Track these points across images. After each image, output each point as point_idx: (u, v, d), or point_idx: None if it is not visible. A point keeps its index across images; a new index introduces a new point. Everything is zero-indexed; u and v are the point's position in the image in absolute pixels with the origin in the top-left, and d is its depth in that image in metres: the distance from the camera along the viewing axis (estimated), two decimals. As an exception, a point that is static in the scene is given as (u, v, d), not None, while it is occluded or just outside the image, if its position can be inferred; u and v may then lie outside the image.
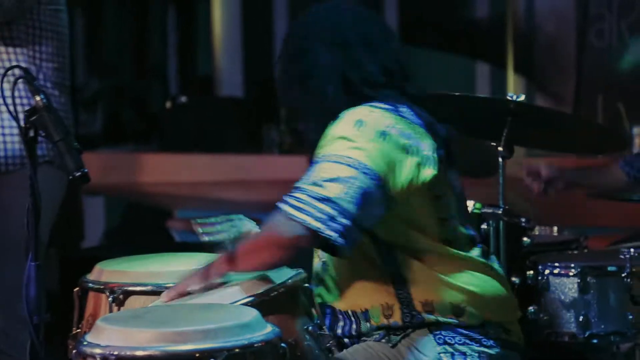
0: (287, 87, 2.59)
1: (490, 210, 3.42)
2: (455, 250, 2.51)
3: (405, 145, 2.42)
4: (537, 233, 3.87)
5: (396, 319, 2.49)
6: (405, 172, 2.41)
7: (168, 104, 9.31)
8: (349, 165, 2.35)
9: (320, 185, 2.33)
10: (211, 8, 10.02)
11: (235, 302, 2.30)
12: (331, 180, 2.34)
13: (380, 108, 2.46)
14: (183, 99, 9.28)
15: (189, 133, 8.67)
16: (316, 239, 2.36)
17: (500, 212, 3.42)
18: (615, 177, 3.65)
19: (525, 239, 3.59)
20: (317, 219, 2.32)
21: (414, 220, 2.48)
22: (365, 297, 2.51)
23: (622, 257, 3.28)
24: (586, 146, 3.68)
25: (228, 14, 10.02)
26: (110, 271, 2.60)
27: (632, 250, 3.30)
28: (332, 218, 2.32)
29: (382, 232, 2.47)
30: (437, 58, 8.86)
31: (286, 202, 2.35)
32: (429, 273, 2.49)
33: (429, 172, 2.45)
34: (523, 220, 3.54)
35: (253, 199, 7.52)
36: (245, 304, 2.28)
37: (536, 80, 8.75)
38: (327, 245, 2.36)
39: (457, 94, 3.37)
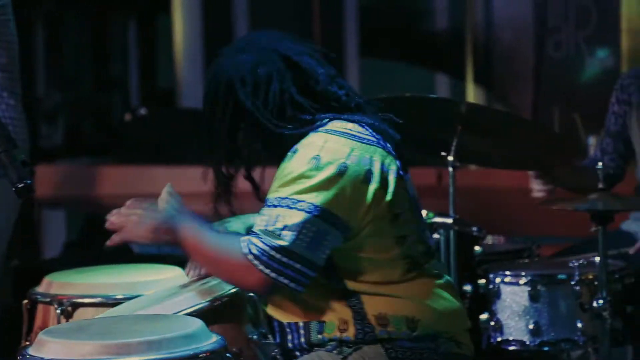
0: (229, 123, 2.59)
1: (441, 220, 3.44)
2: (410, 266, 2.52)
3: (364, 173, 2.42)
4: (489, 242, 3.89)
5: (349, 334, 2.49)
6: (366, 201, 2.42)
7: (127, 116, 9.28)
8: (303, 210, 2.36)
9: (275, 235, 2.35)
10: (172, 20, 10.02)
11: (180, 311, 2.30)
12: (285, 227, 2.35)
13: (335, 134, 2.46)
14: (143, 111, 9.26)
15: (149, 145, 8.64)
16: (272, 286, 2.41)
17: (451, 221, 3.45)
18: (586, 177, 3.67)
19: (476, 247, 3.62)
20: (271, 268, 2.36)
21: (369, 244, 2.48)
22: (321, 309, 2.51)
23: (571, 265, 3.31)
24: (542, 156, 3.67)
25: (189, 26, 10.02)
26: (59, 283, 2.60)
27: (581, 258, 3.33)
28: (286, 266, 2.36)
29: (335, 258, 2.48)
30: (396, 69, 8.90)
31: (246, 246, 2.37)
32: (383, 288, 2.50)
33: (388, 196, 2.45)
34: (474, 229, 3.58)
35: (212, 211, 7.50)
36: (190, 314, 2.29)
37: (495, 91, 8.81)
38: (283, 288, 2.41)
39: (407, 94, 3.33)
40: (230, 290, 2.43)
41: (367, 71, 8.88)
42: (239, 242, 2.40)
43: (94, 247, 7.20)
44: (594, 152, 3.87)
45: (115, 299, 2.52)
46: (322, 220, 2.37)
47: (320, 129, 2.46)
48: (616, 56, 7.91)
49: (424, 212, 3.35)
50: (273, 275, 2.37)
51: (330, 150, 2.41)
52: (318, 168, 2.39)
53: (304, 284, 2.40)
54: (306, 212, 2.36)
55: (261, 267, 2.37)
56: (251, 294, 2.49)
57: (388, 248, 2.49)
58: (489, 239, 3.90)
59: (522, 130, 3.57)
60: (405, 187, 2.52)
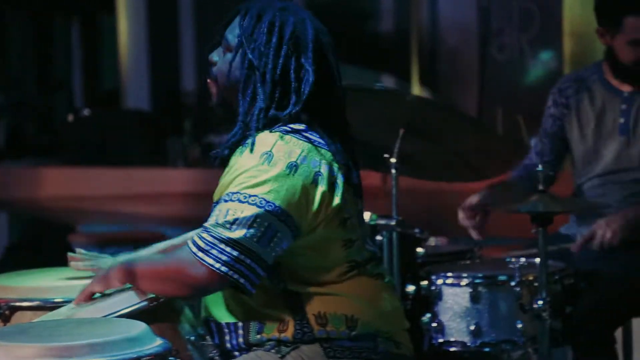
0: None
1: (384, 222, 3.45)
2: (352, 268, 2.53)
3: (313, 175, 2.42)
4: (431, 243, 3.91)
5: (288, 334, 2.49)
6: (314, 203, 2.41)
7: (70, 118, 9.22)
8: (254, 205, 2.34)
9: (225, 227, 2.34)
10: (116, 21, 9.96)
11: (116, 312, 2.29)
12: (236, 221, 2.35)
13: (287, 134, 2.47)
14: (86, 112, 9.22)
15: (92, 146, 8.61)
16: (222, 282, 2.38)
17: (394, 223, 3.46)
18: (514, 191, 3.71)
19: (419, 249, 3.63)
20: (221, 262, 2.34)
21: (317, 247, 2.48)
22: (259, 309, 2.51)
23: (511, 266, 3.34)
24: (478, 165, 3.67)
25: (134, 27, 9.97)
26: (-3, 286, 2.57)
27: (521, 259, 3.36)
28: (236, 259, 2.34)
29: (280, 258, 2.48)
30: (342, 71, 8.92)
31: (194, 242, 2.36)
32: (323, 290, 2.50)
33: (336, 199, 2.45)
34: (417, 230, 3.59)
35: (157, 213, 7.49)
36: (125, 314, 2.28)
37: (440, 92, 8.87)
38: (234, 285, 2.38)
39: (353, 84, 3.27)
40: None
41: (313, 72, 8.89)
42: (186, 245, 2.39)
43: (36, 249, 7.16)
44: (527, 157, 3.90)
45: (54, 302, 2.49)
46: (273, 216, 2.35)
47: (274, 130, 2.46)
48: (559, 59, 8.00)
49: (367, 214, 3.35)
50: (224, 269, 2.33)
51: (282, 148, 2.41)
52: (270, 164, 2.38)
53: (254, 283, 2.37)
54: (258, 206, 2.34)
55: (211, 261, 2.33)
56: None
57: (335, 251, 2.49)
58: (432, 241, 3.90)
59: (464, 127, 3.57)
60: (353, 192, 2.52)
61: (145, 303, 2.33)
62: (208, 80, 2.58)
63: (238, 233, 2.33)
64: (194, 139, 8.86)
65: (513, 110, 7.85)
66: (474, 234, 3.65)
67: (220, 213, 2.36)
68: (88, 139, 8.72)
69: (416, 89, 8.88)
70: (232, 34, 2.52)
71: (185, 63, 10.00)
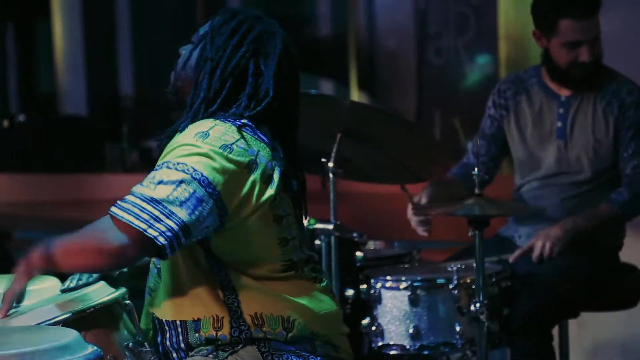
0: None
1: (322, 226, 3.45)
2: (289, 267, 2.53)
3: (247, 162, 2.41)
4: (370, 247, 3.92)
5: (224, 332, 2.48)
6: (245, 189, 2.40)
7: (6, 123, 9.13)
8: (182, 171, 2.32)
9: (148, 187, 2.32)
10: (52, 25, 9.87)
11: (51, 319, 2.26)
12: (160, 182, 2.32)
13: (226, 122, 2.46)
14: (21, 117, 9.13)
15: (27, 152, 8.53)
16: (140, 243, 2.32)
17: (332, 227, 3.46)
18: (456, 189, 3.73)
19: (358, 253, 3.63)
20: (141, 219, 2.28)
21: (251, 242, 2.47)
22: (196, 307, 2.49)
23: (449, 269, 3.35)
24: (419, 163, 3.69)
25: (69, 31, 9.89)
26: None
27: (459, 263, 3.37)
28: (156, 218, 2.29)
29: (215, 245, 2.47)
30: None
31: (116, 205, 2.33)
32: (260, 288, 2.49)
33: (269, 192, 2.45)
34: (355, 234, 3.59)
35: (95, 219, 7.42)
36: (61, 322, 2.25)
37: (378, 96, 8.90)
38: (152, 249, 2.34)
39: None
40: (103, 297, 2.39)
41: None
42: (106, 216, 2.31)
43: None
44: (466, 157, 3.92)
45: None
46: (199, 185, 2.32)
47: (213, 117, 2.45)
48: (495, 63, 8.08)
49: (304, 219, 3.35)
50: (142, 227, 2.26)
51: (219, 131, 2.40)
52: (204, 141, 2.36)
53: (172, 246, 2.31)
54: (185, 172, 2.31)
55: (130, 218, 2.26)
56: (127, 301, 2.45)
57: (270, 247, 2.49)
58: (370, 244, 3.92)
59: (401, 131, 3.58)
60: (289, 193, 2.52)
61: (67, 316, 2.30)
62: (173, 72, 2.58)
63: (161, 193, 2.29)
64: (132, 144, 8.81)
65: (450, 113, 7.92)
66: (420, 231, 3.66)
67: (147, 178, 2.33)
68: (24, 144, 8.64)
69: (355, 93, 8.91)
70: (203, 28, 2.54)
71: (123, 67, 9.94)
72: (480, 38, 8.31)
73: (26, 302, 2.46)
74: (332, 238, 3.48)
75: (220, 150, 2.37)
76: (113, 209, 2.32)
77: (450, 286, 3.34)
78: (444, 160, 3.70)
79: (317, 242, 3.49)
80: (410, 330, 3.38)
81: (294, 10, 9.46)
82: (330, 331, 2.59)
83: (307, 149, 3.50)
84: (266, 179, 2.43)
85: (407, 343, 3.39)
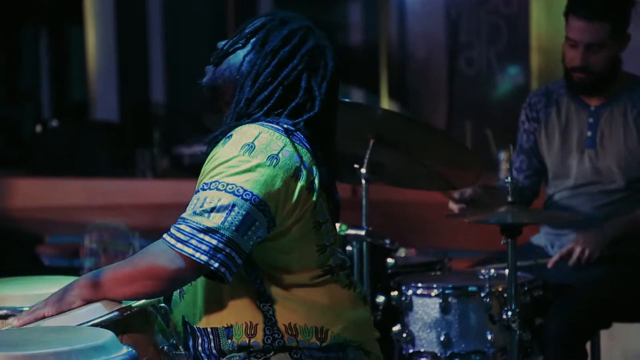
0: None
1: (354, 232, 3.45)
2: (324, 274, 2.53)
3: (294, 170, 2.41)
4: (401, 254, 3.92)
5: (257, 339, 2.49)
6: (293, 196, 2.40)
7: (38, 129, 9.20)
8: (232, 193, 2.33)
9: (202, 216, 2.33)
10: (85, 31, 9.93)
11: (88, 322, 2.28)
12: (213, 209, 2.33)
13: (271, 128, 2.46)
14: (54, 123, 9.20)
15: (60, 157, 8.58)
16: (199, 270, 2.36)
17: (364, 233, 3.46)
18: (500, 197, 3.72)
19: (389, 260, 3.64)
20: (202, 251, 2.31)
21: (291, 249, 2.47)
22: (230, 313, 2.49)
23: (481, 277, 3.35)
24: (452, 172, 3.68)
25: (102, 38, 9.95)
26: (-34, 296, 2.54)
27: (491, 270, 3.37)
28: (215, 249, 2.32)
29: (255, 253, 2.47)
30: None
31: (170, 235, 2.34)
32: (295, 298, 2.49)
33: (312, 199, 2.45)
34: (387, 241, 3.59)
35: (126, 224, 7.45)
36: (98, 324, 2.27)
37: (409, 106, 8.89)
38: (211, 275, 2.37)
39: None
40: (139, 301, 2.40)
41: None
42: (159, 242, 2.34)
43: (4, 260, 7.11)
44: (509, 170, 3.91)
45: (23, 311, 2.48)
46: (251, 205, 2.34)
47: (257, 122, 2.45)
48: (526, 73, 8.05)
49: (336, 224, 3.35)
50: (204, 259, 2.31)
51: (264, 140, 2.40)
52: (250, 155, 2.37)
53: (232, 271, 2.35)
54: (235, 195, 2.33)
55: (190, 251, 2.31)
56: (162, 304, 2.46)
57: (309, 253, 2.49)
58: (402, 252, 3.92)
59: (434, 141, 3.59)
60: (327, 199, 2.52)
61: (117, 313, 2.31)
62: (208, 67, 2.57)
63: (216, 221, 2.32)
64: (163, 150, 8.84)
65: (481, 123, 7.90)
66: (455, 208, 3.61)
67: (198, 202, 2.34)
68: (57, 149, 8.69)
69: (385, 102, 8.90)
70: (249, 26, 2.53)
71: (154, 74, 9.98)
72: (511, 48, 8.29)
73: None
74: (364, 244, 3.49)
75: (268, 163, 2.38)
76: (171, 240, 2.33)
77: (482, 294, 3.33)
78: (476, 168, 3.69)
79: (349, 248, 3.49)
80: (442, 338, 3.38)
81: (326, 18, 9.47)
82: (363, 337, 2.59)
83: (340, 154, 3.52)
84: (309, 186, 2.44)
85: (438, 350, 3.39)
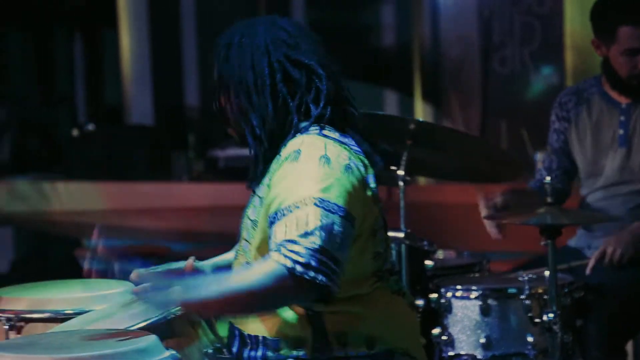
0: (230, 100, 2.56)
1: (393, 234, 3.44)
2: (376, 281, 2.51)
3: (364, 179, 2.41)
4: (440, 257, 3.90)
5: (306, 350, 2.48)
6: (365, 207, 2.41)
7: (75, 132, 9.25)
8: (329, 211, 2.30)
9: (315, 235, 2.27)
10: (119, 35, 9.97)
11: (132, 325, 2.29)
12: (319, 228, 2.27)
13: (329, 138, 2.42)
14: (90, 127, 9.25)
15: (96, 161, 8.62)
16: (319, 291, 2.29)
17: (402, 235, 3.46)
18: (532, 199, 3.70)
19: (428, 262, 3.62)
20: (324, 274, 2.26)
21: (351, 257, 2.45)
22: (281, 324, 2.48)
23: (521, 279, 3.33)
24: (490, 171, 3.69)
25: (136, 41, 9.98)
26: (8, 298, 2.56)
27: (530, 273, 3.35)
28: (332, 272, 2.28)
29: None
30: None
31: (291, 260, 2.27)
32: (346, 308, 2.48)
33: (378, 207, 2.46)
34: (425, 243, 3.58)
35: (162, 227, 7.49)
36: (143, 328, 2.27)
37: (443, 106, 8.87)
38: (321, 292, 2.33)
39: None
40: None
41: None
42: (270, 263, 2.28)
43: (42, 263, 7.16)
44: (539, 171, 3.90)
45: (65, 314, 2.49)
46: (346, 221, 2.32)
47: (311, 132, 2.43)
48: (560, 73, 8.01)
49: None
50: (324, 279, 2.26)
51: (333, 151, 2.38)
52: (330, 167, 2.35)
53: (339, 287, 2.32)
54: (332, 212, 2.30)
55: (312, 274, 2.26)
56: None
57: (365, 262, 2.48)
58: (440, 254, 3.91)
59: (470, 145, 3.59)
60: (379, 204, 2.51)
61: (161, 317, 2.32)
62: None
63: (324, 241, 2.28)
64: (198, 154, 8.87)
65: (516, 123, 7.86)
66: (494, 233, 3.60)
67: (300, 221, 2.30)
68: (93, 153, 8.74)
69: (419, 103, 8.89)
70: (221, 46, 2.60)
71: (188, 77, 10.02)
72: (545, 48, 8.26)
73: (98, 306, 2.49)
74: (402, 247, 3.48)
75: (346, 175, 2.37)
76: (290, 264, 2.27)
77: (522, 296, 3.31)
78: (513, 170, 3.69)
79: (387, 250, 3.48)
80: (482, 340, 3.37)
81: (358, 20, 9.46)
82: (410, 344, 2.57)
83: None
84: (373, 193, 2.44)
85: (478, 353, 3.37)
